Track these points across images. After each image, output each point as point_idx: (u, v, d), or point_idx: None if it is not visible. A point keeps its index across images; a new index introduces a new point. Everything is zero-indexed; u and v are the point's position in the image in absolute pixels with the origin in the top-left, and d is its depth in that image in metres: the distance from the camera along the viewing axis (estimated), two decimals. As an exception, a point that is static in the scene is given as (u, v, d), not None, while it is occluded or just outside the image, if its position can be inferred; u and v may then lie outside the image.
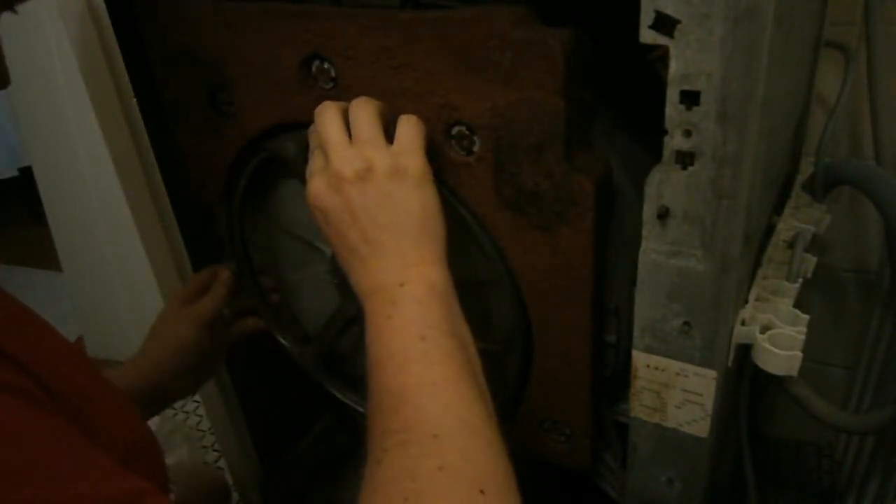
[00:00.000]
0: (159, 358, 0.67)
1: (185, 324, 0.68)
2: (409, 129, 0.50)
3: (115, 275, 1.49)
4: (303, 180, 0.57)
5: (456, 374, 0.43)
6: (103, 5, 0.64)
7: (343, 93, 0.55)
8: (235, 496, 0.97)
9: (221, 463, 1.25)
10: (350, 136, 0.50)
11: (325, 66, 0.55)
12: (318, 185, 0.49)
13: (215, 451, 1.31)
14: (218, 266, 0.74)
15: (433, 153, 0.52)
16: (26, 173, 1.81)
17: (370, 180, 0.48)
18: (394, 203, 0.48)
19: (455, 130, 0.52)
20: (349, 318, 0.69)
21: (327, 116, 0.50)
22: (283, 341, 0.75)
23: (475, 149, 0.52)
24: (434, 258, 0.49)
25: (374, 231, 0.48)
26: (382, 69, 0.52)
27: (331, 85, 0.56)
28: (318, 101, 0.56)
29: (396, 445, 0.40)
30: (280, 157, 0.61)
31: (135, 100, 0.69)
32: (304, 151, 0.58)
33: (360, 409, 0.75)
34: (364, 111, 0.50)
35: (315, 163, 0.51)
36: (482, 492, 0.38)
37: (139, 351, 0.68)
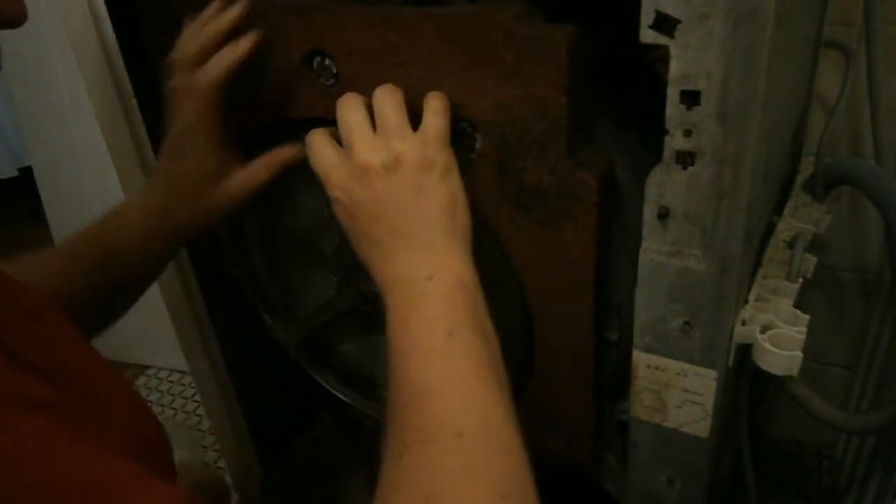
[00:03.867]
0: (166, 176, 0.62)
1: (193, 102, 0.57)
2: (438, 118, 0.49)
3: (115, 275, 1.48)
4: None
5: (480, 373, 0.43)
6: (103, 5, 0.64)
7: (345, 89, 0.54)
8: (235, 496, 0.97)
9: (221, 463, 1.25)
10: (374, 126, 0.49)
11: (327, 62, 0.55)
12: (341, 176, 0.48)
13: (215, 451, 1.31)
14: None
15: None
16: (26, 173, 1.81)
17: (398, 172, 0.47)
18: (423, 194, 0.47)
19: (458, 127, 0.52)
20: (342, 310, 0.68)
21: (350, 106, 0.49)
22: (267, 319, 0.75)
23: (477, 145, 0.52)
24: (462, 250, 0.48)
25: (403, 222, 0.47)
26: (385, 65, 0.52)
27: (332, 81, 0.55)
28: (319, 97, 0.56)
29: (417, 443, 0.39)
30: None
31: (135, 100, 0.69)
32: None
33: (345, 399, 0.75)
34: (391, 100, 0.49)
35: (330, 154, 0.49)
36: (503, 497, 0.37)
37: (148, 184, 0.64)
